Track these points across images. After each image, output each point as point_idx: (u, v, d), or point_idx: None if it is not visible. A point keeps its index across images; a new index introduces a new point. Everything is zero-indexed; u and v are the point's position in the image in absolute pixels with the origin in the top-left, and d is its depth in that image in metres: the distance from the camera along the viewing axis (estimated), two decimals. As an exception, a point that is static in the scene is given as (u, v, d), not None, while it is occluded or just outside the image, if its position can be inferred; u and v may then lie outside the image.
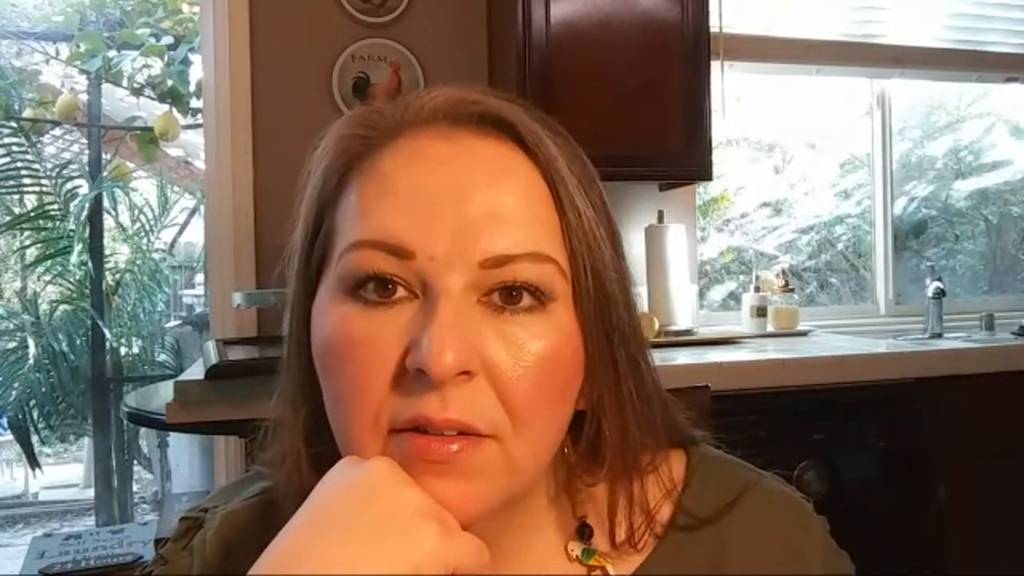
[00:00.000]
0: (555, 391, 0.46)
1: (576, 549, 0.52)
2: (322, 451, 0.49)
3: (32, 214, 4.10)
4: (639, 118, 2.17)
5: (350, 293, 0.46)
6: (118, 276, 4.18)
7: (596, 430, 0.50)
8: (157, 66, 3.83)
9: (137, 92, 3.88)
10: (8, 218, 4.22)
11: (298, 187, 0.53)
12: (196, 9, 3.19)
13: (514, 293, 0.45)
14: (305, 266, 0.50)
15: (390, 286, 0.45)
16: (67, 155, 4.24)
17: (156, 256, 4.32)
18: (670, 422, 0.55)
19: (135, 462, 4.28)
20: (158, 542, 1.20)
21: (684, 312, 2.41)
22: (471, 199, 0.45)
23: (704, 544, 0.53)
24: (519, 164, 0.47)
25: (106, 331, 3.89)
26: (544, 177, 0.47)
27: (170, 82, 3.80)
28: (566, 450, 0.52)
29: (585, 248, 0.47)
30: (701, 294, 2.76)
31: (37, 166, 4.01)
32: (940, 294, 2.69)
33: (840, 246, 3.12)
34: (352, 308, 0.46)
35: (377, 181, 0.47)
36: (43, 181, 4.01)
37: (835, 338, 2.49)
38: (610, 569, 0.52)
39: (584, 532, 0.52)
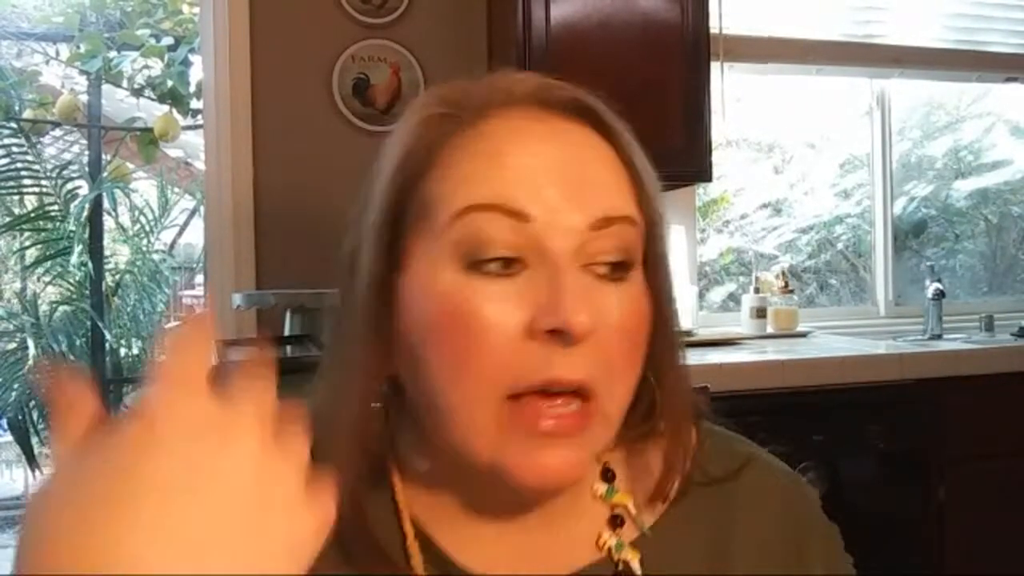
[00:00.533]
0: (639, 350, 0.49)
1: (601, 489, 0.55)
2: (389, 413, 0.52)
3: (32, 215, 4.10)
4: (639, 118, 2.15)
5: (465, 261, 0.47)
6: (118, 277, 4.18)
7: (648, 389, 0.53)
8: (157, 67, 3.83)
9: (137, 93, 3.88)
10: (8, 219, 4.22)
11: (373, 171, 0.54)
12: (196, 10, 3.19)
13: (612, 260, 0.48)
14: (389, 239, 0.50)
15: (507, 256, 0.46)
16: (67, 156, 4.24)
17: (156, 257, 4.32)
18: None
19: (135, 463, 4.28)
20: None
21: (684, 313, 2.41)
22: (574, 171, 0.48)
23: (718, 500, 0.57)
24: (603, 145, 0.51)
25: (106, 332, 3.89)
26: (621, 157, 0.51)
27: (170, 83, 3.80)
28: None
29: (654, 218, 0.51)
30: (701, 295, 2.76)
31: (37, 167, 4.01)
32: (940, 295, 2.68)
33: (840, 246, 3.12)
34: (472, 277, 0.46)
35: (482, 154, 0.48)
36: (43, 182, 4.00)
37: (835, 339, 2.49)
38: (630, 507, 0.55)
39: (607, 475, 0.55)
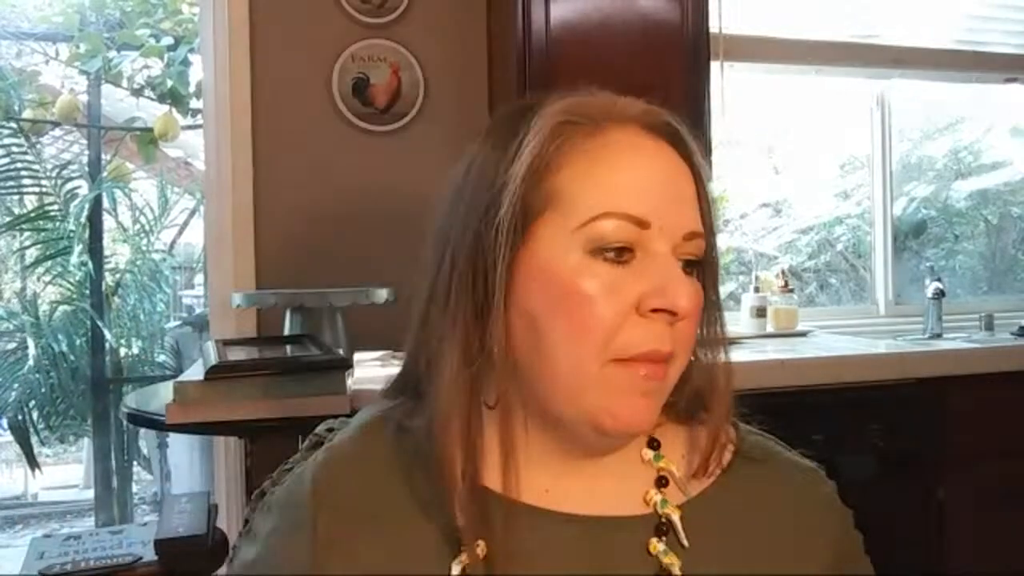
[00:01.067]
0: (693, 325, 0.61)
1: (648, 454, 0.65)
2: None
3: (32, 215, 4.10)
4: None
5: (593, 250, 0.58)
6: (118, 277, 4.18)
7: (690, 371, 0.64)
8: (157, 67, 3.84)
9: (137, 93, 3.89)
10: (8, 219, 4.22)
11: (473, 159, 0.64)
12: (196, 10, 3.20)
13: (691, 259, 0.61)
14: (520, 218, 0.59)
15: (624, 250, 0.58)
16: (67, 156, 4.24)
17: (156, 256, 4.32)
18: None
19: (135, 463, 4.28)
20: (158, 543, 1.26)
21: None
22: (675, 187, 0.61)
23: (758, 480, 0.66)
24: (685, 165, 0.63)
25: (106, 332, 3.89)
26: (694, 176, 0.63)
27: (170, 83, 3.80)
28: None
29: (712, 230, 0.63)
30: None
31: (37, 167, 4.01)
32: (940, 294, 2.69)
33: (840, 246, 3.12)
34: (593, 261, 0.58)
35: (605, 162, 0.60)
36: (43, 182, 4.00)
37: (835, 338, 2.49)
38: (675, 471, 0.64)
39: (653, 444, 0.65)
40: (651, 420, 0.60)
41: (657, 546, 0.61)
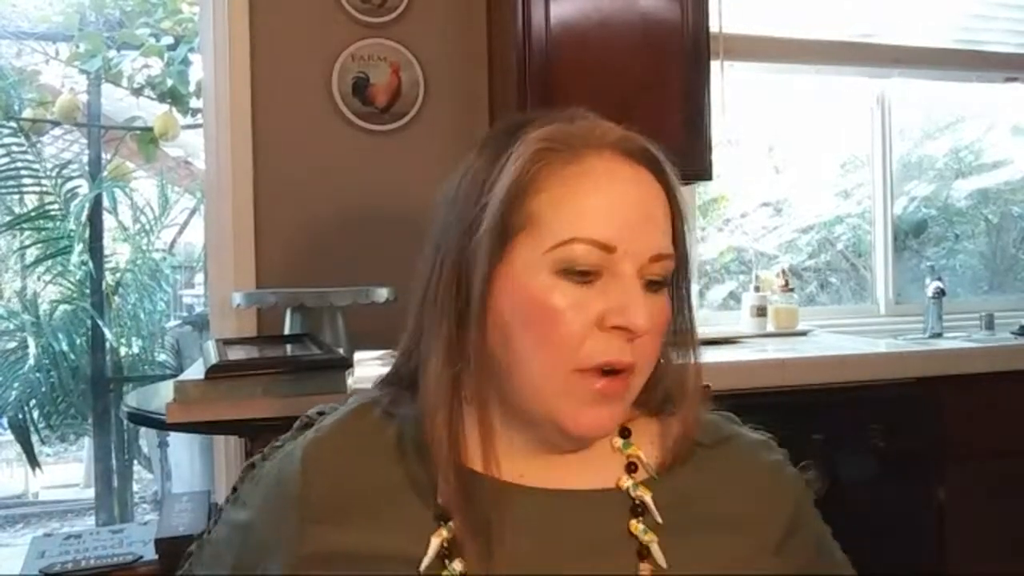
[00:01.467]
0: (660, 344, 0.68)
1: (618, 442, 0.71)
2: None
3: (32, 214, 4.10)
4: (639, 118, 2.16)
5: (560, 271, 0.63)
6: (118, 276, 4.18)
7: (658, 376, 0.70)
8: (157, 66, 3.83)
9: (137, 92, 3.89)
10: (8, 218, 4.22)
11: (466, 171, 0.69)
12: (196, 9, 3.20)
13: (657, 280, 0.66)
14: (498, 236, 0.64)
15: (589, 272, 0.63)
16: (67, 155, 4.24)
17: (156, 256, 4.32)
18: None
19: (135, 462, 4.28)
20: (158, 542, 1.31)
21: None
22: (644, 212, 0.65)
23: (716, 458, 0.72)
24: (659, 188, 0.68)
25: (106, 331, 3.89)
26: (668, 198, 0.68)
27: (170, 82, 3.80)
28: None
29: (684, 250, 0.69)
30: (701, 294, 2.76)
31: (37, 166, 4.01)
32: (940, 294, 2.69)
33: (840, 246, 3.12)
34: (560, 281, 0.63)
35: (582, 189, 0.64)
36: (43, 181, 4.01)
37: (835, 338, 2.49)
38: (643, 456, 0.70)
39: (625, 433, 0.71)
40: (610, 427, 0.67)
41: (637, 526, 0.66)
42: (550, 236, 0.64)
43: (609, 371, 0.64)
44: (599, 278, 0.64)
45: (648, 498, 0.67)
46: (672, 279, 0.69)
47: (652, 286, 0.66)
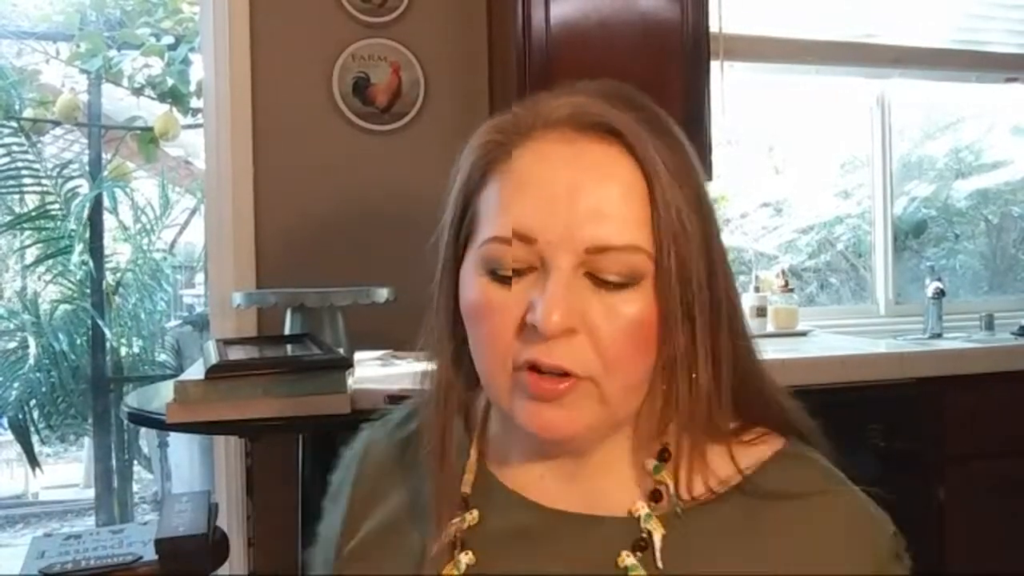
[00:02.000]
0: (640, 346, 0.59)
1: (650, 464, 0.63)
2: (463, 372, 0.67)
3: (33, 214, 4.10)
4: (639, 118, 2.17)
5: (487, 271, 0.60)
6: (119, 276, 4.18)
7: (668, 384, 0.62)
8: (157, 66, 3.83)
9: (137, 92, 3.88)
10: (9, 218, 4.22)
11: (449, 180, 0.67)
12: (196, 9, 3.20)
13: (612, 278, 0.58)
14: (454, 241, 0.64)
15: (514, 263, 0.59)
16: (67, 155, 4.24)
17: (157, 256, 4.32)
18: (768, 405, 0.66)
19: (135, 462, 4.28)
20: (158, 542, 1.31)
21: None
22: (582, 196, 0.58)
23: (760, 514, 0.60)
24: (624, 165, 0.59)
25: (106, 331, 3.89)
26: (644, 176, 0.59)
27: (170, 82, 3.80)
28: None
29: (671, 237, 0.58)
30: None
31: (37, 166, 4.01)
32: (940, 294, 2.69)
33: (840, 246, 3.12)
34: (488, 280, 0.60)
35: (512, 179, 0.60)
36: (44, 181, 4.01)
37: (835, 338, 2.49)
38: (670, 485, 0.62)
39: (663, 455, 0.63)
40: (571, 431, 0.60)
41: (625, 559, 0.59)
42: (479, 235, 0.61)
43: (539, 370, 0.58)
44: (534, 270, 0.59)
45: (659, 536, 0.60)
46: (657, 273, 0.58)
47: (609, 284, 0.58)
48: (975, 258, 3.26)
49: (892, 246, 2.94)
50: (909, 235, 3.12)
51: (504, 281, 0.59)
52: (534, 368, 0.58)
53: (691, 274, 0.59)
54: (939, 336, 2.66)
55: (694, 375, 0.61)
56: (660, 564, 0.59)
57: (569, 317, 0.57)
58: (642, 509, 0.61)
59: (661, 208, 0.58)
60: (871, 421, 1.97)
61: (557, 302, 0.56)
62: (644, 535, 0.60)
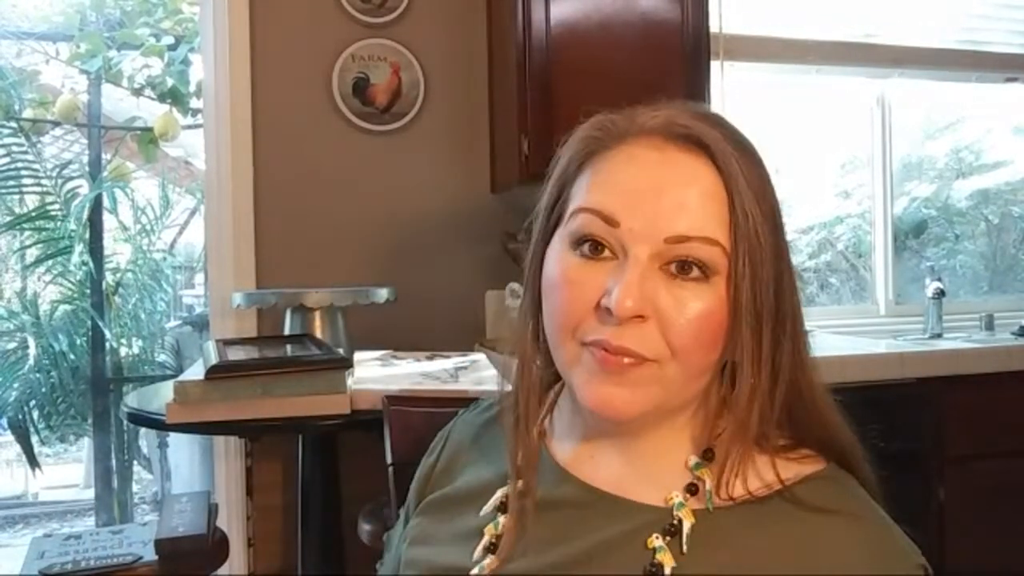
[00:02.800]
0: (704, 339, 0.62)
1: (692, 461, 0.66)
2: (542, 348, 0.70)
3: (33, 214, 4.10)
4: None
5: (573, 246, 0.64)
6: (118, 276, 4.18)
7: (731, 382, 0.65)
8: (157, 66, 3.83)
9: (137, 92, 3.88)
10: (9, 218, 4.22)
11: (548, 169, 0.71)
12: (196, 9, 3.20)
13: (686, 265, 0.61)
14: (546, 222, 0.69)
15: (599, 247, 0.63)
16: (67, 155, 4.23)
17: (157, 256, 4.32)
18: (818, 424, 0.68)
19: (135, 462, 4.28)
20: (158, 542, 1.32)
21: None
22: (665, 193, 0.62)
23: (793, 523, 0.62)
24: (707, 174, 0.63)
25: (106, 331, 3.89)
26: (725, 186, 0.63)
27: (170, 82, 3.80)
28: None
29: (746, 242, 0.62)
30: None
31: (37, 166, 4.01)
32: (940, 294, 2.69)
33: (840, 246, 3.12)
34: (572, 256, 0.64)
35: (602, 172, 0.65)
36: (43, 181, 4.00)
37: (835, 338, 2.49)
38: (708, 483, 0.64)
39: (708, 455, 0.66)
40: (628, 411, 0.62)
41: (654, 541, 0.62)
42: (568, 213, 0.66)
43: (614, 350, 0.61)
44: (614, 258, 0.63)
45: (688, 524, 0.62)
46: (731, 272, 0.62)
47: (682, 274, 0.61)
48: (975, 258, 3.26)
49: (892, 246, 2.94)
50: (909, 235, 3.12)
51: (586, 259, 0.63)
52: (602, 347, 0.61)
53: (762, 281, 0.63)
54: (939, 336, 2.66)
55: (752, 380, 0.63)
56: (685, 549, 0.61)
57: (642, 304, 0.60)
58: (676, 498, 0.64)
59: (740, 215, 0.62)
60: (871, 421, 1.95)
61: (632, 288, 0.60)
62: (675, 522, 0.63)
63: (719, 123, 0.66)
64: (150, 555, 1.46)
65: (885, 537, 0.64)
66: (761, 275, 0.63)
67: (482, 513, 0.70)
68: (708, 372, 0.64)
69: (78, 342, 3.97)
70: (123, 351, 4.17)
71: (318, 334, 1.97)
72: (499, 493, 0.70)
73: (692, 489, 0.64)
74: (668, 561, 0.61)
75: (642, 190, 0.62)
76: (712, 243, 0.61)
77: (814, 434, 0.68)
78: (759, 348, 0.63)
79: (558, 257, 0.65)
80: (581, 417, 0.69)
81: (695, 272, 0.62)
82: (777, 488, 0.63)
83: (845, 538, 0.61)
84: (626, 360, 0.61)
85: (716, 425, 0.67)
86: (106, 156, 4.06)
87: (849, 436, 0.70)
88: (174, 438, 3.83)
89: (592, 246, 0.63)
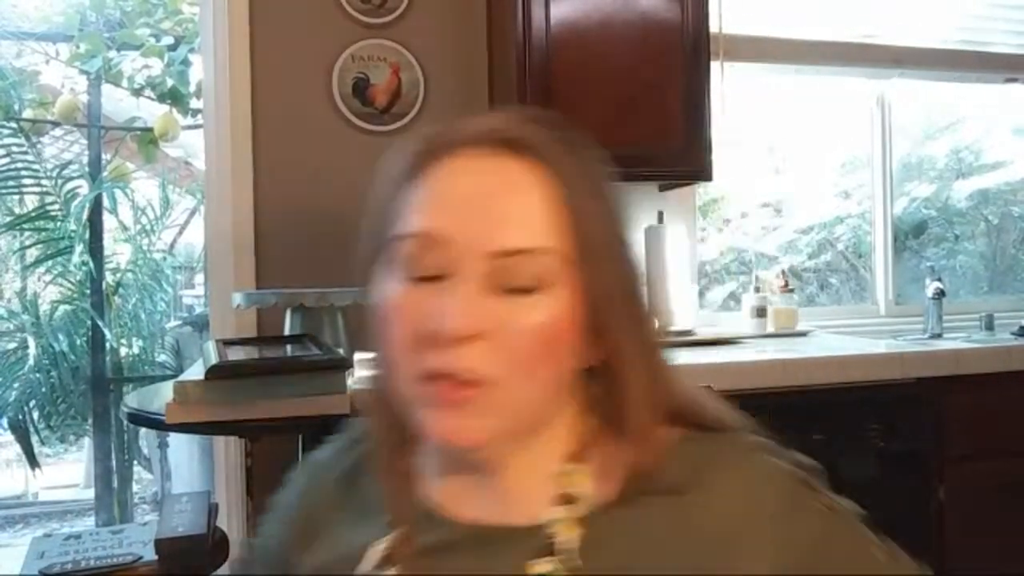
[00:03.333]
0: (549, 351, 0.59)
1: (566, 468, 0.63)
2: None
3: (33, 214, 4.10)
4: (639, 118, 2.18)
5: (400, 272, 0.60)
6: (119, 276, 4.18)
7: (597, 382, 0.63)
8: (157, 67, 3.83)
9: (137, 93, 3.88)
10: (9, 218, 4.22)
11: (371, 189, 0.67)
12: (196, 10, 3.20)
13: (519, 278, 0.58)
14: (371, 249, 0.64)
15: (428, 270, 0.58)
16: (67, 155, 4.24)
17: (157, 256, 4.32)
18: (685, 406, 0.65)
19: (135, 462, 4.28)
20: (158, 542, 1.31)
21: (684, 312, 2.41)
22: (491, 205, 0.59)
23: (671, 508, 0.61)
24: (537, 178, 0.60)
25: (106, 331, 3.89)
26: (558, 188, 0.59)
27: (170, 82, 3.80)
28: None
29: (585, 243, 0.59)
30: (701, 294, 2.76)
31: (37, 166, 4.01)
32: (940, 294, 2.69)
33: (840, 246, 3.12)
34: (399, 284, 0.60)
35: (425, 189, 0.61)
36: (43, 181, 4.01)
37: (835, 338, 2.49)
38: (584, 488, 0.62)
39: (580, 457, 0.63)
40: (478, 440, 0.59)
41: (533, 567, 0.59)
42: (391, 238, 0.62)
43: (451, 378, 0.57)
44: (444, 279, 0.58)
45: (575, 535, 0.60)
46: (571, 279, 0.59)
47: (517, 288, 0.58)
48: (975, 258, 3.26)
49: (892, 246, 2.94)
50: (909, 235, 3.12)
51: (415, 284, 0.59)
52: (440, 376, 0.57)
53: (607, 282, 0.60)
54: (939, 336, 2.66)
55: (615, 377, 0.61)
56: (580, 561, 0.59)
57: (475, 323, 0.56)
58: (550, 515, 0.61)
59: (575, 216, 0.59)
60: (871, 421, 1.97)
61: (461, 307, 0.56)
62: (550, 541, 0.60)
63: (549, 123, 0.63)
64: (150, 555, 1.46)
65: (752, 460, 0.64)
66: (606, 277, 0.60)
67: (369, 572, 0.64)
68: (562, 385, 0.62)
69: (78, 342, 3.97)
70: (123, 351, 4.18)
71: (318, 334, 1.97)
72: (380, 547, 0.64)
73: (569, 500, 0.62)
74: None
75: (467, 204, 0.59)
76: (544, 253, 0.58)
77: (676, 408, 0.65)
78: (616, 345, 0.61)
79: (386, 286, 0.61)
80: (440, 452, 0.65)
81: (530, 284, 0.58)
82: (652, 483, 0.61)
83: (721, 494, 0.61)
84: (467, 388, 0.57)
85: (584, 427, 0.64)
86: (106, 156, 4.06)
87: (730, 414, 0.67)
88: (174, 438, 3.83)
89: (420, 270, 0.59)
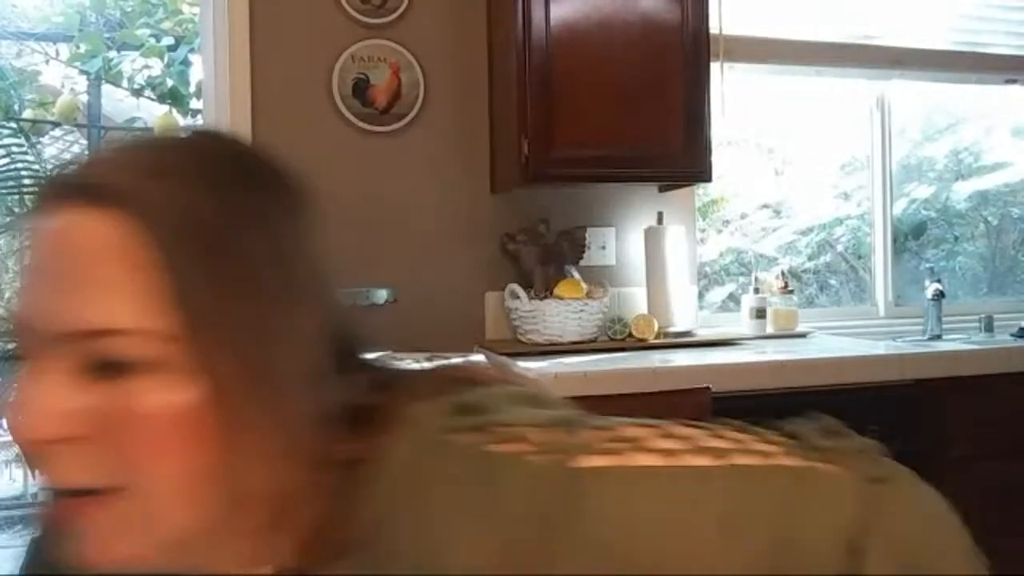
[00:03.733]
0: (176, 443, 0.46)
1: (262, 555, 0.51)
2: None
3: (32, 215, 4.10)
4: (639, 119, 2.18)
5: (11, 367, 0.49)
6: (118, 277, 4.18)
7: (239, 472, 0.48)
8: (157, 67, 3.83)
9: (137, 93, 3.88)
10: (8, 218, 4.22)
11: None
12: (196, 10, 3.20)
13: (107, 364, 0.45)
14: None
15: (16, 360, 0.47)
16: (67, 156, 4.24)
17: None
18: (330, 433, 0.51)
19: (134, 463, 4.28)
20: None
21: (684, 314, 2.41)
22: (57, 277, 0.46)
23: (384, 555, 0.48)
24: (125, 237, 0.46)
25: (106, 332, 3.89)
26: (152, 248, 0.46)
27: (170, 83, 3.80)
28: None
29: (195, 300, 0.46)
30: (700, 295, 2.76)
31: (37, 167, 4.01)
32: (940, 296, 2.68)
33: (840, 247, 3.12)
34: (13, 381, 0.48)
35: (25, 255, 0.50)
36: (43, 182, 4.00)
37: (835, 339, 2.49)
38: (293, 569, 0.50)
39: (283, 545, 0.51)
40: (113, 558, 0.47)
41: None
42: None
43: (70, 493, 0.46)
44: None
45: None
46: (190, 354, 0.46)
47: (109, 373, 0.45)
48: (975, 260, 3.26)
49: (892, 248, 2.94)
50: (909, 237, 3.12)
51: (21, 380, 0.47)
52: (53, 495, 0.46)
53: (221, 339, 0.47)
54: (939, 338, 2.66)
55: (259, 449, 0.47)
56: None
57: (60, 423, 0.45)
58: None
59: (177, 284, 0.46)
60: (871, 423, 1.96)
61: (38, 409, 0.45)
62: None
63: (149, 150, 0.52)
64: (149, 555, 1.46)
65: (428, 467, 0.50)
66: (220, 332, 0.46)
67: None
68: (210, 475, 0.47)
69: (78, 342, 3.96)
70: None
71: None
72: None
73: None
74: None
75: (40, 278, 0.48)
76: (120, 334, 0.45)
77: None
78: (255, 415, 0.47)
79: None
80: None
81: (123, 368, 0.45)
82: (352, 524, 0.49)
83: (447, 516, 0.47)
84: (86, 509, 0.45)
85: (256, 508, 0.49)
86: (106, 156, 4.06)
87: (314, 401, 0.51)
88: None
89: (19, 363, 0.47)
